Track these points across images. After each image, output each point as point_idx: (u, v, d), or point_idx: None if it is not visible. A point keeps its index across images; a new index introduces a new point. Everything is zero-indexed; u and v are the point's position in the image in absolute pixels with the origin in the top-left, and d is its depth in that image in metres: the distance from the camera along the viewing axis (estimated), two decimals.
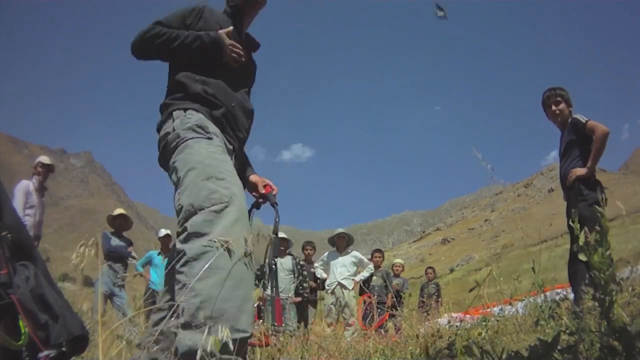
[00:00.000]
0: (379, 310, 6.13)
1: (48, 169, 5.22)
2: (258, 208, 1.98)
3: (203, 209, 1.43)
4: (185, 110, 1.73)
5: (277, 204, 1.95)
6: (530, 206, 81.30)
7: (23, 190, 4.83)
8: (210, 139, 1.67)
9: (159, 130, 1.79)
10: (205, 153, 1.59)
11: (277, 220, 1.86)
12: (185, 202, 1.48)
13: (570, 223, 1.74)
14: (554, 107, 3.63)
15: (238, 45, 1.84)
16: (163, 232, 7.43)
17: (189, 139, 1.64)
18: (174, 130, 1.69)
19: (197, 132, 1.66)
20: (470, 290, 2.49)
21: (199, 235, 1.39)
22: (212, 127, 1.73)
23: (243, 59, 1.85)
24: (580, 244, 1.31)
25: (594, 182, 3.35)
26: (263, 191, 1.96)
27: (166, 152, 1.70)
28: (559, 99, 3.61)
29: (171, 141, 1.68)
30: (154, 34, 1.80)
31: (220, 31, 1.82)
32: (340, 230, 6.91)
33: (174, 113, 1.74)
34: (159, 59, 1.90)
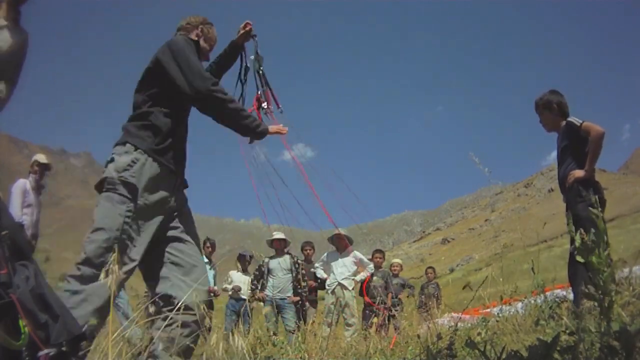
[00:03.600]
0: (377, 311, 6.13)
1: (44, 168, 5.18)
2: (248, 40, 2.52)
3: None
4: (136, 149, 2.04)
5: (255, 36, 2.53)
6: (530, 206, 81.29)
7: (20, 189, 4.81)
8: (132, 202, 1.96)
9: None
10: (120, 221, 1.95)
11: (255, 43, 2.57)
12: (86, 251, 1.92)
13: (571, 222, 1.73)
14: (540, 118, 3.70)
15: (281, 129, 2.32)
16: None
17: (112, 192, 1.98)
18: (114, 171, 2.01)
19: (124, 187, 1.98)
20: (464, 287, 2.50)
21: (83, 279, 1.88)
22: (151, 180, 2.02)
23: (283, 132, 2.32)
24: (577, 245, 1.31)
25: (593, 183, 3.34)
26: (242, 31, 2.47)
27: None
28: (543, 108, 3.64)
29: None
30: (228, 101, 2.09)
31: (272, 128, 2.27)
32: (340, 230, 6.89)
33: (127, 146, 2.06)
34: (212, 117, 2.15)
